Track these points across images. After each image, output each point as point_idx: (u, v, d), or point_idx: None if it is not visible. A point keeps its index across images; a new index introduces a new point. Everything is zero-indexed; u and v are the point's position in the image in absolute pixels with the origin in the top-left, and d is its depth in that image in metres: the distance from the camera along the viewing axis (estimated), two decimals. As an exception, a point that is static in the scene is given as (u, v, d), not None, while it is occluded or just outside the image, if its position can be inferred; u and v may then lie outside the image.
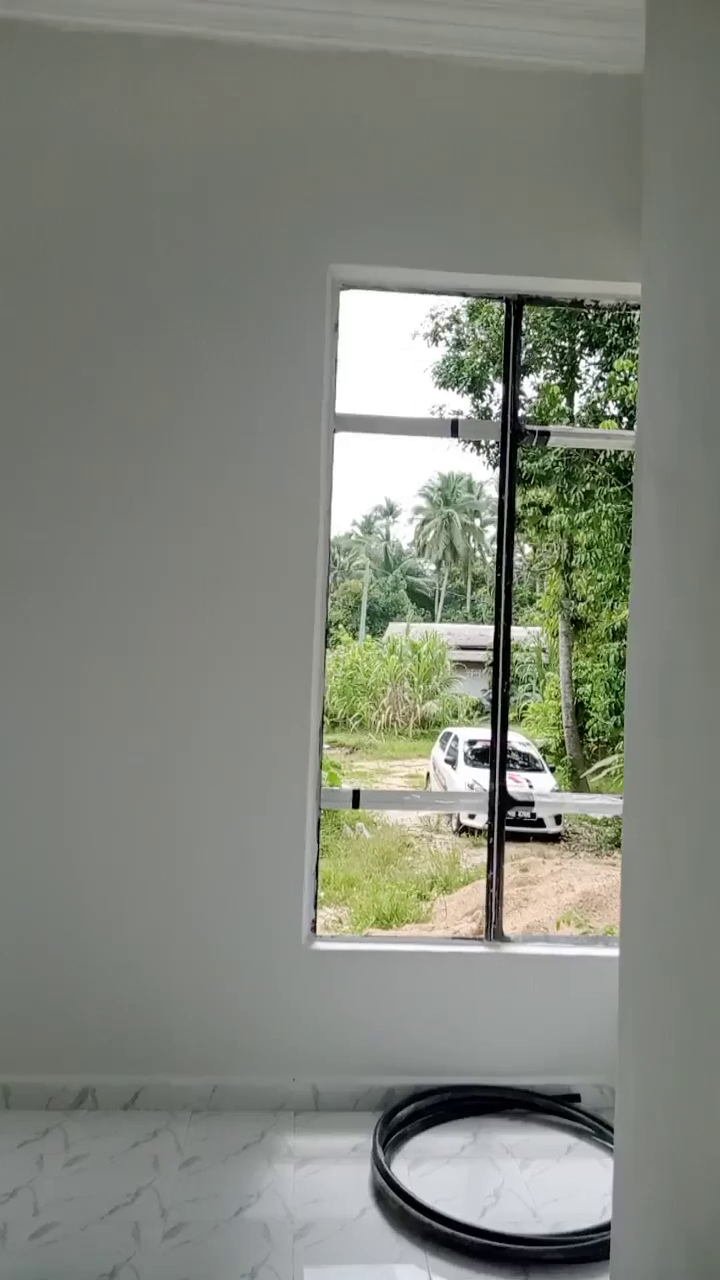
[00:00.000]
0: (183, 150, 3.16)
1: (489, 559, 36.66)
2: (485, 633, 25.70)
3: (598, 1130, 2.94)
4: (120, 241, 3.14)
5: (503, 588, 3.37)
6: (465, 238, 3.25)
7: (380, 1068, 3.10)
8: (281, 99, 3.19)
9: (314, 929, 3.22)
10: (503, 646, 3.38)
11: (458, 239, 3.25)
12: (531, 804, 3.45)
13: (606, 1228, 2.39)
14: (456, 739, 15.38)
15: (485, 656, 23.00)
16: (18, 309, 3.12)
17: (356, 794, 3.35)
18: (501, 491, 3.37)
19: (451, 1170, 2.77)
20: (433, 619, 33.88)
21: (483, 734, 15.79)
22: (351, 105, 3.21)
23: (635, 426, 1.92)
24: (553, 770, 14.39)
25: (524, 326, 3.41)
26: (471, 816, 12.08)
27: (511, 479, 3.37)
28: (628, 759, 1.76)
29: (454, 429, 3.46)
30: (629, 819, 1.74)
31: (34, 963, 3.06)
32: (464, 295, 3.50)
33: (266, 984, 3.10)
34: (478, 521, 37.70)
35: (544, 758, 14.64)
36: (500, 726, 3.33)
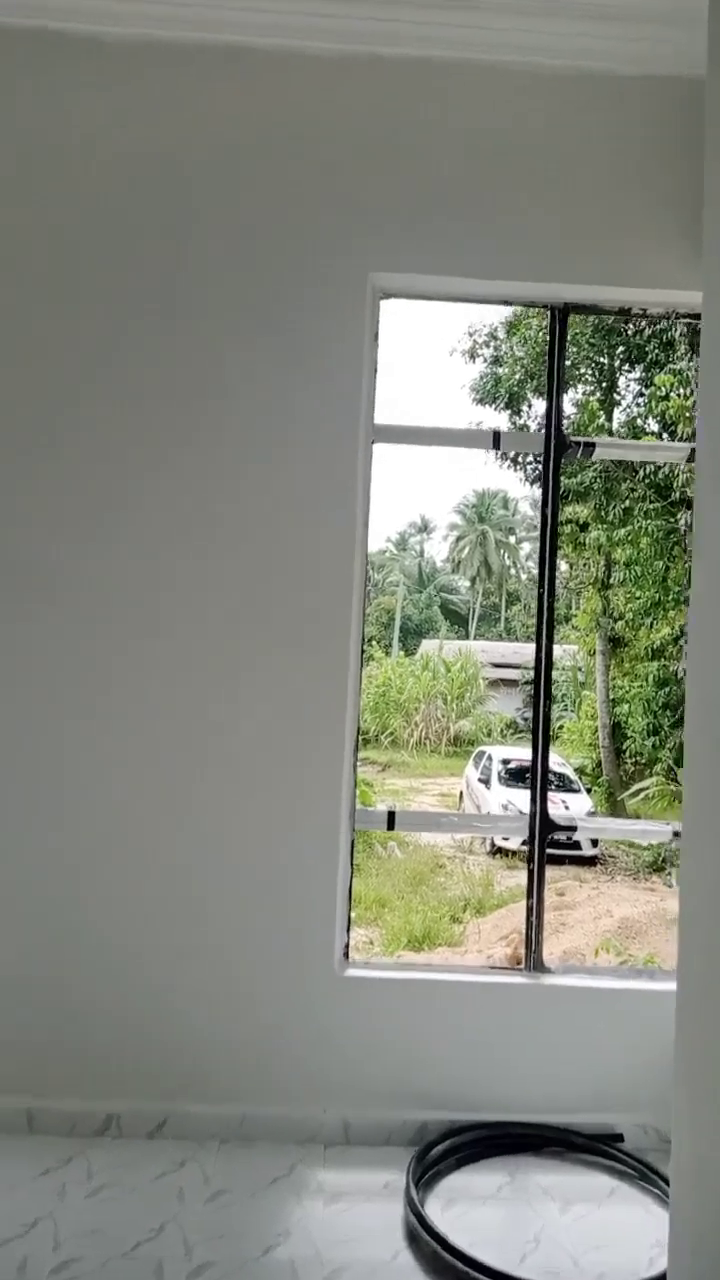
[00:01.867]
0: (222, 159, 3.13)
1: (523, 576, 36.43)
2: (519, 650, 25.49)
3: (641, 1173, 2.80)
4: (159, 251, 3.11)
5: (544, 604, 3.27)
6: (509, 245, 3.18)
7: (414, 1101, 2.99)
8: (323, 106, 3.14)
9: (346, 954, 3.12)
10: (544, 665, 3.27)
11: (501, 246, 3.17)
12: (573, 828, 3.33)
13: (654, 1282, 2.26)
14: (490, 758, 15.18)
15: (519, 675, 22.79)
16: (60, 316, 3.09)
17: (392, 815, 3.26)
18: (544, 505, 3.27)
19: (488, 1212, 2.65)
20: (466, 636, 33.66)
21: (517, 753, 15.59)
22: (394, 112, 3.15)
23: (695, 435, 1.82)
24: (589, 791, 14.14)
25: (569, 337, 3.32)
26: (505, 838, 11.88)
27: (555, 491, 3.27)
28: (687, 785, 1.65)
29: (495, 440, 3.37)
30: (688, 848, 1.63)
31: (61, 985, 2.99)
32: (507, 304, 3.43)
33: (298, 1011, 3.00)
34: (512, 539, 37.49)
35: (580, 778, 14.39)
36: (542, 748, 3.22)
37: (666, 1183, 2.70)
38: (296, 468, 3.09)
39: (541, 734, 3.23)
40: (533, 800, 3.21)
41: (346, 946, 3.12)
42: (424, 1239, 2.41)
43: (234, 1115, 2.95)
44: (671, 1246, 1.65)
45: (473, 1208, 2.65)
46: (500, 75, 3.16)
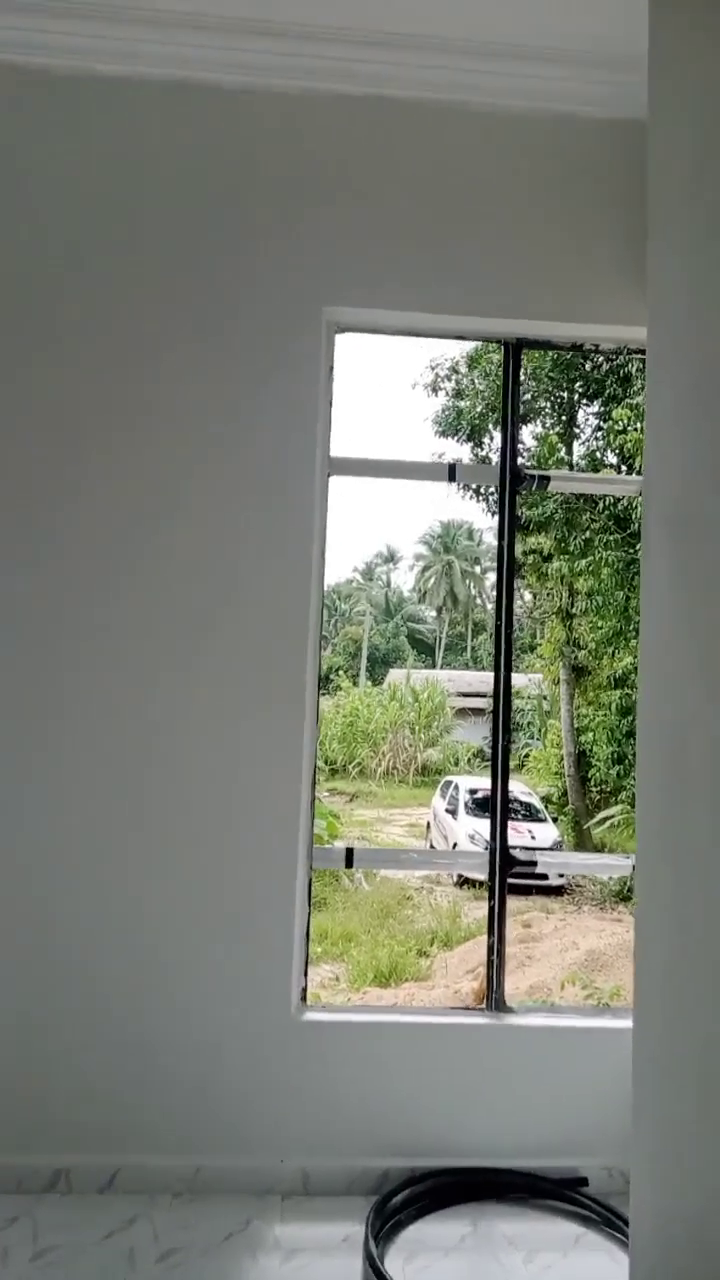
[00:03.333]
0: (176, 191, 3.13)
1: (489, 606, 36.64)
2: (486, 679, 25.53)
3: (606, 1219, 2.74)
4: (112, 283, 3.08)
5: (503, 635, 3.25)
6: (463, 281, 3.20)
7: (374, 1148, 2.91)
8: (277, 142, 3.16)
9: (304, 998, 3.04)
10: (503, 694, 3.25)
11: (455, 282, 3.20)
12: (533, 864, 3.29)
13: (619, 1336, 2.20)
14: (458, 788, 15.13)
15: (486, 703, 22.82)
16: (10, 347, 3.05)
17: (350, 852, 3.20)
18: (501, 537, 3.27)
19: (451, 1264, 2.57)
20: (433, 665, 33.69)
21: (484, 783, 15.52)
22: (348, 148, 3.18)
23: (642, 471, 1.82)
24: (555, 820, 14.13)
25: (522, 372, 3.34)
26: (472, 868, 11.82)
27: (511, 524, 3.27)
28: (639, 817, 1.63)
29: (451, 473, 3.37)
30: (642, 884, 1.60)
31: (6, 1035, 2.88)
32: (461, 339, 3.45)
33: (253, 1057, 2.91)
34: (478, 569, 37.74)
35: (546, 807, 14.39)
36: (501, 779, 3.19)
37: (631, 1228, 2.65)
38: (253, 499, 3.07)
39: (501, 765, 3.20)
40: (492, 838, 3.17)
41: (304, 990, 3.05)
42: (383, 1296, 2.33)
43: (188, 1167, 2.85)
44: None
45: (435, 1260, 2.57)
46: (456, 114, 3.21)
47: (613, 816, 13.46)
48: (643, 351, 3.35)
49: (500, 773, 3.20)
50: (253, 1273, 2.49)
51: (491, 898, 3.13)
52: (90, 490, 3.03)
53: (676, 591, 1.51)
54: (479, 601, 37.54)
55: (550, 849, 12.49)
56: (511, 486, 3.26)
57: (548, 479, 3.38)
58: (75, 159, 3.11)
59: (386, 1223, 2.66)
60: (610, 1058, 2.98)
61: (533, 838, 12.44)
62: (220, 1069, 2.90)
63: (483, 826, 13.17)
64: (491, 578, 36.36)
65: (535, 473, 3.32)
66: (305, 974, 3.05)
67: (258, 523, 3.06)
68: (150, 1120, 2.88)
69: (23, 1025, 2.88)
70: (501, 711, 3.24)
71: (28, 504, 3.02)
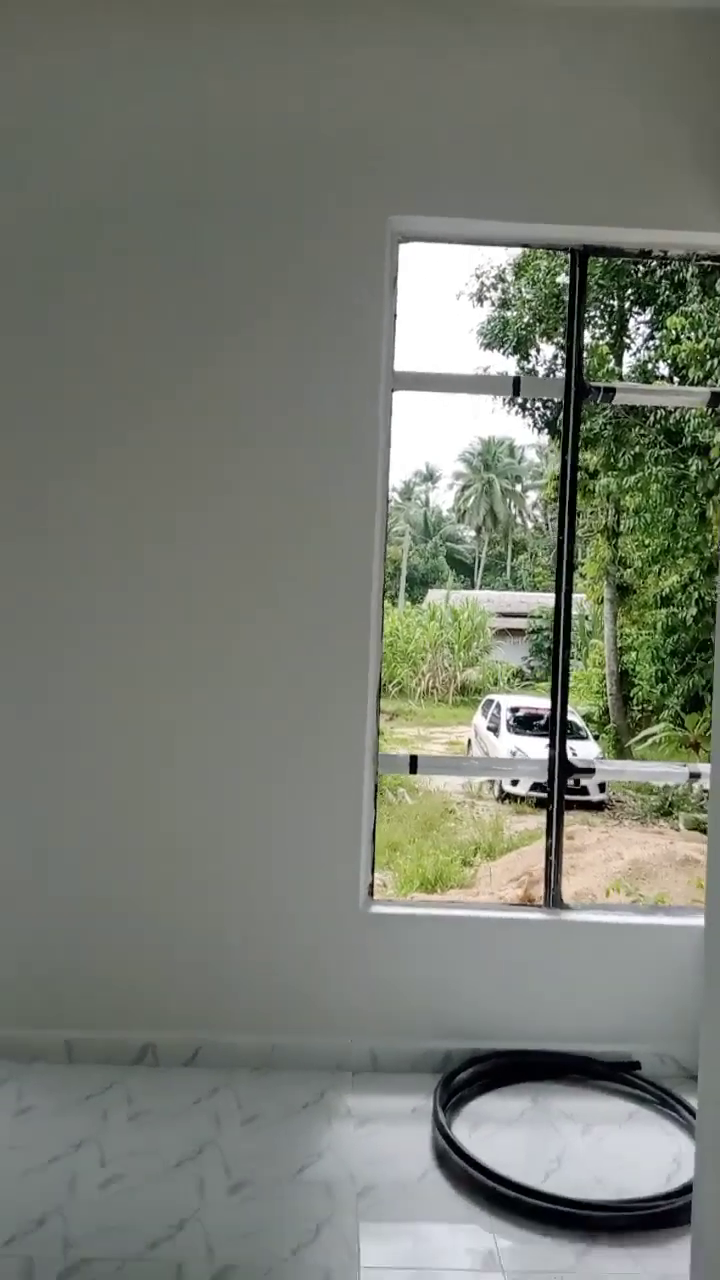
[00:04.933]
0: (239, 106, 3.09)
1: (529, 525, 36.21)
2: (525, 600, 25.45)
3: (659, 1099, 2.92)
4: (177, 201, 3.08)
5: (564, 551, 3.29)
6: (529, 187, 3.14)
7: (437, 1031, 3.10)
8: (338, 48, 3.08)
9: (371, 892, 3.21)
10: (564, 612, 3.29)
11: (520, 187, 3.14)
12: (592, 770, 3.39)
13: (673, 1195, 2.38)
14: (499, 706, 15.28)
15: (526, 624, 22.79)
16: (81, 268, 3.08)
17: (414, 759, 3.32)
18: (565, 451, 3.28)
19: (512, 1134, 2.77)
20: (472, 586, 33.58)
21: (525, 701, 15.68)
22: (410, 51, 3.09)
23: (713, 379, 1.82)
24: (596, 739, 14.26)
25: (589, 280, 3.29)
26: (515, 783, 12.01)
27: (575, 437, 3.27)
28: (715, 731, 1.70)
29: (516, 386, 3.36)
30: (717, 790, 1.68)
31: (95, 919, 3.09)
32: (526, 246, 3.39)
33: (325, 945, 3.10)
34: (519, 487, 37.17)
35: (587, 725, 14.50)
36: (561, 694, 3.27)
37: (684, 1107, 2.82)
38: (318, 414, 3.10)
39: (561, 680, 3.27)
40: (551, 744, 3.27)
41: (371, 885, 3.21)
42: (453, 1159, 2.53)
43: (264, 1045, 3.07)
44: (699, 1158, 1.74)
45: (497, 1130, 2.77)
46: (520, 12, 3.09)
47: (654, 734, 13.54)
48: (715, 258, 3.27)
49: (561, 685, 3.27)
50: (328, 1136, 2.71)
51: (550, 802, 3.25)
52: (165, 410, 3.08)
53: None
54: (519, 521, 37.09)
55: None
56: (577, 400, 3.24)
57: (613, 391, 3.36)
58: (132, 77, 3.06)
59: (452, 1096, 2.86)
60: (660, 953, 3.14)
61: (574, 755, 12.57)
62: (294, 956, 3.10)
63: (524, 743, 13.35)
64: (532, 496, 35.85)
65: (600, 385, 3.30)
66: (372, 870, 3.21)
67: (324, 438, 3.10)
68: (229, 1001, 3.10)
69: (113, 913, 3.09)
70: (562, 629, 3.29)
71: (103, 422, 3.08)
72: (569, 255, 3.29)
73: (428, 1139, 2.70)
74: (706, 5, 3.05)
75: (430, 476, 42.36)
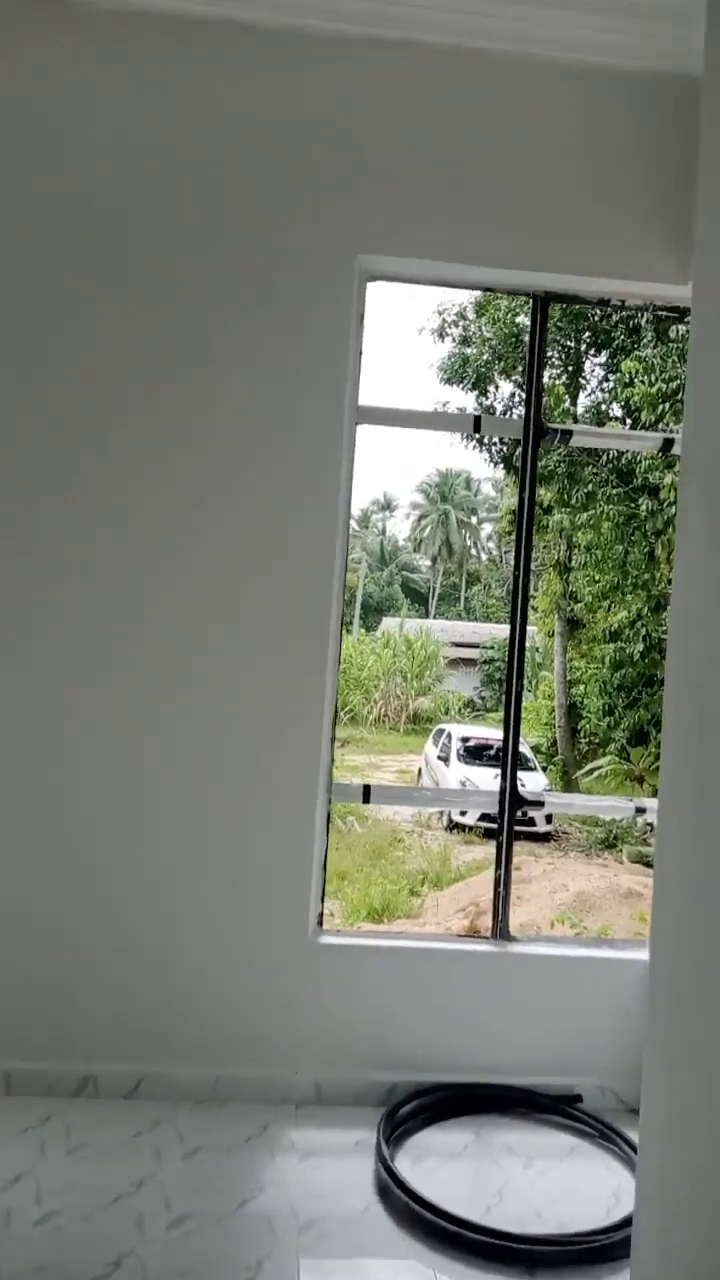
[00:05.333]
0: (212, 137, 3.12)
1: (484, 557, 36.67)
2: (478, 630, 25.73)
3: (600, 1132, 2.94)
4: (147, 228, 3.10)
5: (519, 586, 3.35)
6: (494, 232, 3.23)
7: (383, 1063, 3.09)
8: (313, 87, 3.15)
9: (320, 922, 3.21)
10: (518, 645, 3.35)
11: (486, 233, 3.22)
12: (541, 803, 3.44)
13: (613, 1229, 2.40)
14: (450, 735, 15.38)
15: (478, 654, 23.03)
16: (50, 291, 3.08)
17: (367, 789, 3.33)
18: (522, 489, 3.35)
19: (455, 1168, 2.77)
20: (426, 615, 33.86)
21: (476, 731, 15.81)
22: (384, 95, 3.18)
23: (681, 428, 1.90)
24: (544, 770, 14.41)
25: (549, 325, 3.38)
26: (463, 813, 12.08)
27: (533, 476, 3.34)
28: (664, 768, 1.75)
29: (476, 424, 3.45)
30: (664, 825, 1.73)
31: (36, 948, 3.03)
32: (490, 290, 3.49)
33: (272, 976, 3.08)
34: (474, 519, 37.69)
35: (536, 757, 14.66)
36: (514, 725, 3.32)
37: (623, 1140, 2.85)
38: (282, 446, 3.13)
39: (515, 711, 3.32)
40: (503, 776, 3.32)
41: (320, 915, 3.21)
42: (395, 1193, 2.52)
43: (208, 1077, 3.03)
44: (639, 1192, 1.76)
45: (440, 1164, 2.76)
46: (492, 63, 3.20)
47: (601, 767, 13.74)
48: (670, 309, 3.40)
49: (514, 716, 3.32)
50: (272, 1170, 2.68)
51: (500, 833, 3.29)
52: (129, 435, 3.09)
53: (713, 550, 1.61)
54: (474, 552, 37.56)
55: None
56: (535, 440, 3.33)
57: (570, 434, 3.45)
58: (110, 100, 3.09)
59: (396, 1129, 2.85)
60: (605, 986, 3.18)
61: (523, 786, 12.68)
62: (241, 986, 3.07)
63: (474, 773, 13.44)
64: (487, 528, 36.35)
65: (558, 427, 3.39)
66: (322, 900, 3.21)
67: (287, 470, 3.13)
68: (173, 1032, 3.05)
69: (55, 942, 3.04)
70: (515, 662, 3.35)
71: (68, 444, 3.08)
72: (531, 300, 3.38)
73: (371, 1173, 2.68)
74: (670, 68, 3.19)
75: (388, 505, 42.78)
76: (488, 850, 10.47)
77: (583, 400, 14.71)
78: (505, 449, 14.98)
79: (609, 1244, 2.34)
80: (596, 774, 13.83)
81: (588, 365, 14.76)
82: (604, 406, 14.20)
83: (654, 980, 1.73)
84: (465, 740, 14.88)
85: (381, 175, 3.18)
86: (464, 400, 15.33)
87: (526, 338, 3.40)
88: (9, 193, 3.08)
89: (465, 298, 15.27)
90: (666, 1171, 1.64)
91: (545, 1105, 3.04)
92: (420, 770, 16.15)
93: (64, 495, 3.08)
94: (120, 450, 3.09)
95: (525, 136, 3.23)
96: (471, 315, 15.08)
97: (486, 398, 14.90)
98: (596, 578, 13.45)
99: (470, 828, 12.06)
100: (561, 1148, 2.91)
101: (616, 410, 13.81)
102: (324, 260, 3.15)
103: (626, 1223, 2.32)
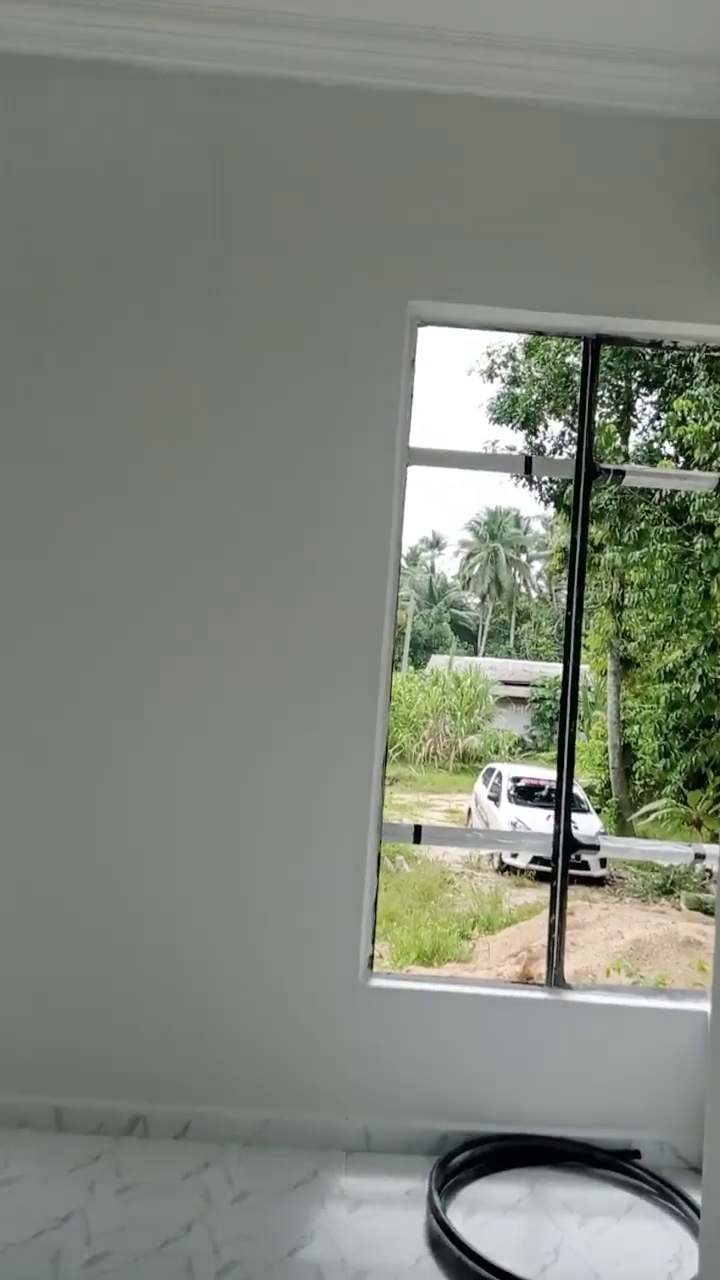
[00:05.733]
0: (266, 185, 3.23)
1: (534, 595, 36.46)
2: (528, 668, 25.48)
3: (659, 1190, 2.84)
4: (202, 275, 3.21)
5: (572, 625, 3.34)
6: (545, 277, 3.27)
7: (434, 1111, 3.04)
8: (367, 138, 3.25)
9: (371, 964, 3.18)
10: (571, 685, 3.33)
11: (537, 278, 3.27)
12: (596, 847, 3.39)
13: (674, 1295, 2.31)
14: (500, 775, 15.19)
15: (528, 693, 22.79)
16: (105, 334, 3.19)
17: (418, 829, 3.32)
18: (574, 529, 3.35)
19: (508, 1222, 2.69)
20: (475, 653, 33.68)
21: (527, 771, 15.60)
22: (436, 145, 3.26)
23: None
24: (598, 812, 14.14)
25: (600, 367, 3.40)
26: (514, 855, 11.89)
27: (584, 516, 3.34)
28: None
29: (528, 465, 3.45)
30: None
31: (90, 986, 3.06)
32: (540, 334, 3.52)
33: (322, 1019, 3.06)
34: (524, 557, 37.55)
35: (589, 798, 14.40)
36: (568, 766, 3.28)
37: (684, 1200, 2.75)
38: (335, 488, 3.18)
39: (568, 753, 3.29)
40: (556, 819, 3.27)
41: (371, 957, 3.18)
42: (447, 1246, 2.46)
43: (257, 1119, 3.01)
44: (703, 1258, 1.70)
45: (493, 1218, 2.69)
46: (539, 112, 3.27)
47: (657, 810, 13.44)
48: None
49: (567, 758, 3.28)
50: (321, 1217, 2.64)
51: (555, 878, 3.24)
52: (182, 478, 3.17)
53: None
54: (523, 590, 37.37)
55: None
56: (587, 481, 3.33)
57: (622, 474, 3.45)
58: (166, 153, 3.22)
59: (448, 1180, 2.79)
60: (664, 1038, 3.09)
61: (576, 828, 12.46)
62: (291, 1028, 3.05)
63: (525, 814, 13.24)
64: (537, 566, 36.17)
65: (610, 468, 3.39)
66: (373, 943, 3.19)
67: (339, 511, 3.18)
68: (223, 1073, 3.04)
69: (108, 980, 3.06)
70: (569, 701, 3.32)
71: (120, 488, 3.16)
72: (581, 342, 3.41)
73: (422, 1224, 2.63)
74: (713, 114, 3.23)
75: (436, 543, 42.84)
76: (540, 893, 10.28)
77: (634, 438, 14.66)
78: (555, 487, 14.95)
79: (671, 1310, 2.26)
80: (653, 817, 13.52)
81: (639, 404, 14.73)
82: (656, 445, 14.12)
83: (716, 1033, 1.68)
84: (516, 780, 14.68)
85: (433, 222, 3.25)
86: (513, 439, 15.40)
87: (577, 377, 3.42)
88: (67, 242, 3.21)
89: (515, 339, 15.39)
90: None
91: (602, 1160, 2.95)
92: (470, 810, 15.95)
93: (124, 539, 3.15)
94: (180, 495, 3.17)
95: (573, 183, 3.28)
96: (521, 356, 15.17)
97: (536, 436, 14.92)
98: (650, 616, 13.27)
99: (522, 870, 11.85)
100: (619, 1205, 2.82)
101: (669, 448, 13.72)
102: (376, 307, 3.22)
103: (689, 1287, 2.23)
